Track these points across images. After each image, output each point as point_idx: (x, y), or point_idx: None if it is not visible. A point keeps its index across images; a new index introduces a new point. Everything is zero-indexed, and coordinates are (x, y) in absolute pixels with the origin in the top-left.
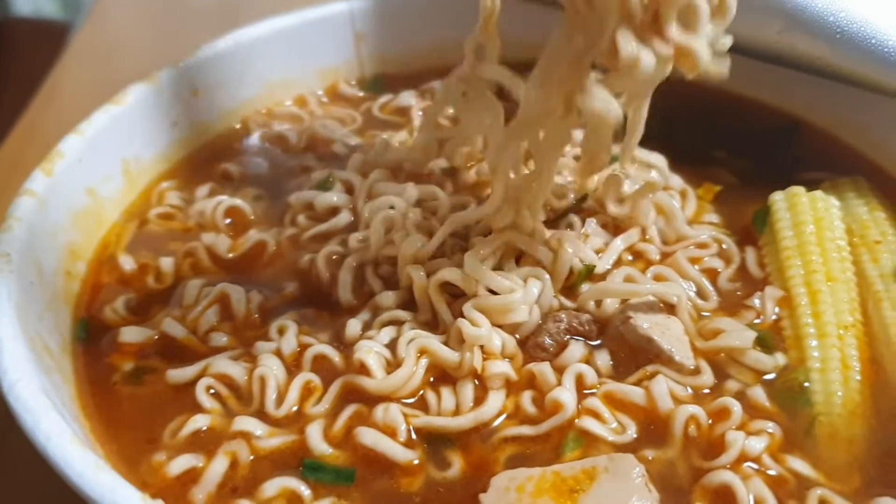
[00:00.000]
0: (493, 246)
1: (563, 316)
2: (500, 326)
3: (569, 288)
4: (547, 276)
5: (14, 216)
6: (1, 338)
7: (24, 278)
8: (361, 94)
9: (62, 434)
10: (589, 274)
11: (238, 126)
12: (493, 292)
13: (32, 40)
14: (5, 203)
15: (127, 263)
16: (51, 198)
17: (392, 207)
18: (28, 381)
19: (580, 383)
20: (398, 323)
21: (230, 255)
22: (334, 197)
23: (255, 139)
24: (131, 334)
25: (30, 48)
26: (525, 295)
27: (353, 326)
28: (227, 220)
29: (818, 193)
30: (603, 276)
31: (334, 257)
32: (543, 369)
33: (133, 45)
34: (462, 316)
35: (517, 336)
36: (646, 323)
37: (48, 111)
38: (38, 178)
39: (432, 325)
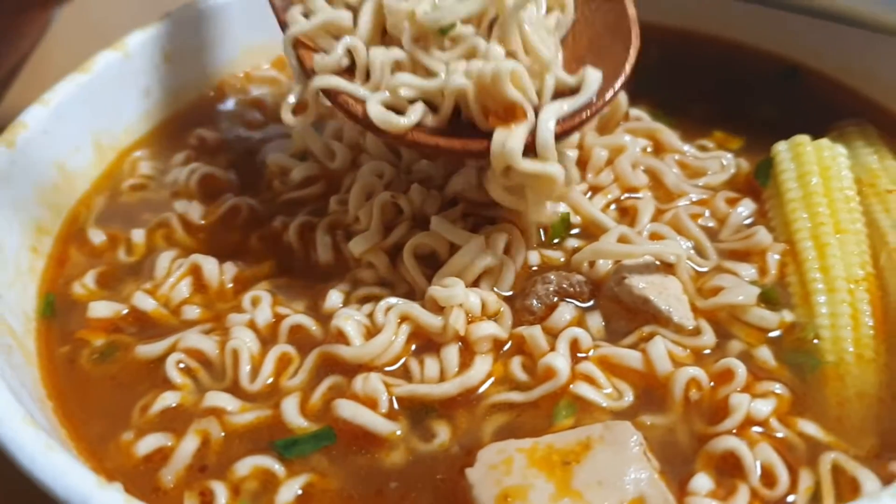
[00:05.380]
0: (459, 211)
1: (553, 277)
2: (475, 286)
3: (556, 243)
4: (515, 229)
5: None
6: None
7: None
8: None
9: (14, 416)
10: (567, 225)
11: (213, 92)
12: None
13: None
14: None
15: (96, 236)
16: (13, 171)
17: (381, 175)
18: None
19: (574, 348)
20: (376, 299)
21: (203, 221)
22: (310, 166)
23: (231, 104)
24: (100, 309)
25: None
26: (488, 244)
27: (334, 298)
28: (202, 188)
29: (824, 142)
30: (597, 236)
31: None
32: (534, 333)
33: (119, 23)
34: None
35: (496, 290)
36: (641, 283)
37: (31, 92)
38: None
39: (410, 297)
